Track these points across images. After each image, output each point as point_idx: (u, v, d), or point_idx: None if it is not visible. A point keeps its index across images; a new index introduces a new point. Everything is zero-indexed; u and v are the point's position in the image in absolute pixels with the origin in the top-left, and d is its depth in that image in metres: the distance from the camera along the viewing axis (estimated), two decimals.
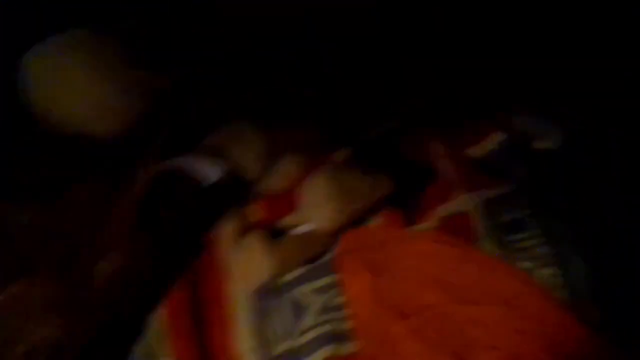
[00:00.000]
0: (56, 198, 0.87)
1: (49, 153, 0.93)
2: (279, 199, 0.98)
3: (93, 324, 0.81)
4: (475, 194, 0.95)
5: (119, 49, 0.92)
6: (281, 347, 0.91)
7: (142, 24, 0.99)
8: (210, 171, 0.93)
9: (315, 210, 0.93)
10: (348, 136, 1.03)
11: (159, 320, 0.94)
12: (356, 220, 0.98)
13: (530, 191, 0.93)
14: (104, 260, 0.83)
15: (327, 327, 0.90)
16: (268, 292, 0.96)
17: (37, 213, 0.82)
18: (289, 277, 0.96)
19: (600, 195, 0.90)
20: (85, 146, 0.91)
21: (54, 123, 0.90)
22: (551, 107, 1.01)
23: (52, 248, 0.82)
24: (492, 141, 1.02)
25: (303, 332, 0.92)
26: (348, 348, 0.89)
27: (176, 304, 0.96)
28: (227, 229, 0.96)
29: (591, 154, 0.94)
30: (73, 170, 0.92)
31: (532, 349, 0.80)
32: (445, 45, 1.08)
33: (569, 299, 0.82)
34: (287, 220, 0.97)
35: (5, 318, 0.75)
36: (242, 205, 1.00)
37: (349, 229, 0.99)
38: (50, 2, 0.95)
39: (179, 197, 0.95)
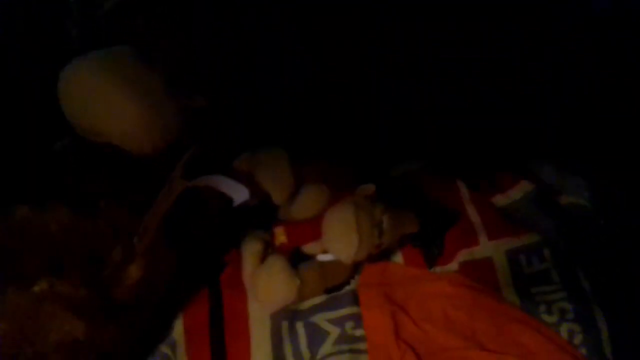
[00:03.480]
0: (89, 206, 0.83)
1: (84, 161, 0.90)
2: (303, 226, 0.97)
3: (112, 330, 0.78)
4: (499, 242, 0.97)
5: (156, 69, 0.91)
6: None
7: (179, 46, 0.98)
8: (238, 192, 0.92)
9: (338, 241, 0.92)
10: (371, 173, 1.03)
11: (177, 331, 0.94)
12: (378, 255, 0.96)
13: (556, 245, 0.94)
14: (127, 270, 0.80)
15: (345, 357, 0.92)
16: (287, 316, 0.95)
17: (68, 218, 0.79)
18: (308, 303, 0.95)
19: (629, 257, 0.92)
20: (118, 156, 0.89)
21: (88, 134, 0.88)
22: (577, 162, 1.03)
23: (81, 251, 0.79)
24: (519, 191, 1.03)
25: (320, 359, 0.92)
26: None
27: (195, 316, 0.95)
28: (251, 250, 0.94)
29: (621, 212, 0.96)
30: (106, 180, 0.89)
31: None
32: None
33: (590, 357, 0.83)
34: (310, 247, 0.96)
35: (28, 316, 0.73)
36: (266, 229, 0.97)
37: (371, 262, 0.98)
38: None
39: (205, 213, 0.93)
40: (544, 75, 1.10)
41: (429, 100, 1.08)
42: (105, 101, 0.85)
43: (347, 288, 0.98)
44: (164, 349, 0.89)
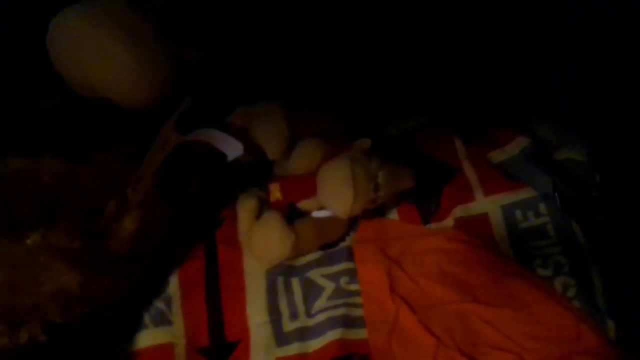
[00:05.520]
0: (84, 158, 0.83)
1: (78, 113, 0.89)
2: (298, 182, 0.96)
3: (107, 282, 0.78)
4: (495, 197, 0.96)
5: (148, 18, 0.89)
6: (292, 325, 0.92)
7: None
8: (231, 147, 0.91)
9: (334, 195, 0.92)
10: (369, 129, 1.02)
11: (172, 286, 0.94)
12: (374, 211, 0.96)
13: (552, 200, 0.94)
14: (122, 222, 0.80)
15: (339, 311, 0.91)
16: (283, 272, 0.95)
17: (62, 169, 0.78)
18: (304, 259, 0.95)
19: (624, 210, 0.92)
20: (111, 111, 0.88)
21: (80, 87, 0.86)
22: (573, 117, 1.03)
23: (74, 203, 0.78)
24: (516, 146, 1.03)
25: (315, 313, 0.92)
26: (358, 334, 0.88)
27: (190, 272, 0.95)
28: (246, 207, 0.94)
29: (617, 169, 0.96)
30: (100, 133, 0.88)
31: (544, 355, 0.80)
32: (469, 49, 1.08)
33: (583, 309, 0.83)
34: (305, 203, 0.95)
35: (22, 267, 0.72)
36: (261, 184, 0.97)
37: (366, 219, 0.98)
38: None
39: (199, 168, 0.92)
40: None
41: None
42: (95, 47, 0.84)
43: (343, 244, 0.97)
44: (159, 304, 0.90)
